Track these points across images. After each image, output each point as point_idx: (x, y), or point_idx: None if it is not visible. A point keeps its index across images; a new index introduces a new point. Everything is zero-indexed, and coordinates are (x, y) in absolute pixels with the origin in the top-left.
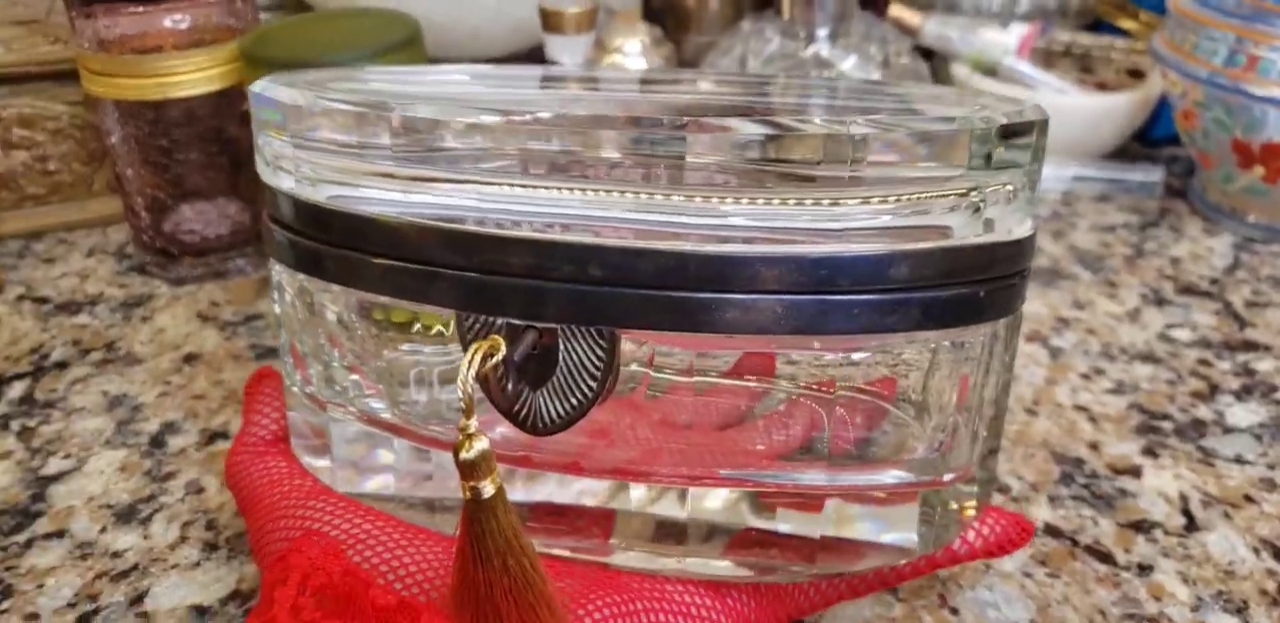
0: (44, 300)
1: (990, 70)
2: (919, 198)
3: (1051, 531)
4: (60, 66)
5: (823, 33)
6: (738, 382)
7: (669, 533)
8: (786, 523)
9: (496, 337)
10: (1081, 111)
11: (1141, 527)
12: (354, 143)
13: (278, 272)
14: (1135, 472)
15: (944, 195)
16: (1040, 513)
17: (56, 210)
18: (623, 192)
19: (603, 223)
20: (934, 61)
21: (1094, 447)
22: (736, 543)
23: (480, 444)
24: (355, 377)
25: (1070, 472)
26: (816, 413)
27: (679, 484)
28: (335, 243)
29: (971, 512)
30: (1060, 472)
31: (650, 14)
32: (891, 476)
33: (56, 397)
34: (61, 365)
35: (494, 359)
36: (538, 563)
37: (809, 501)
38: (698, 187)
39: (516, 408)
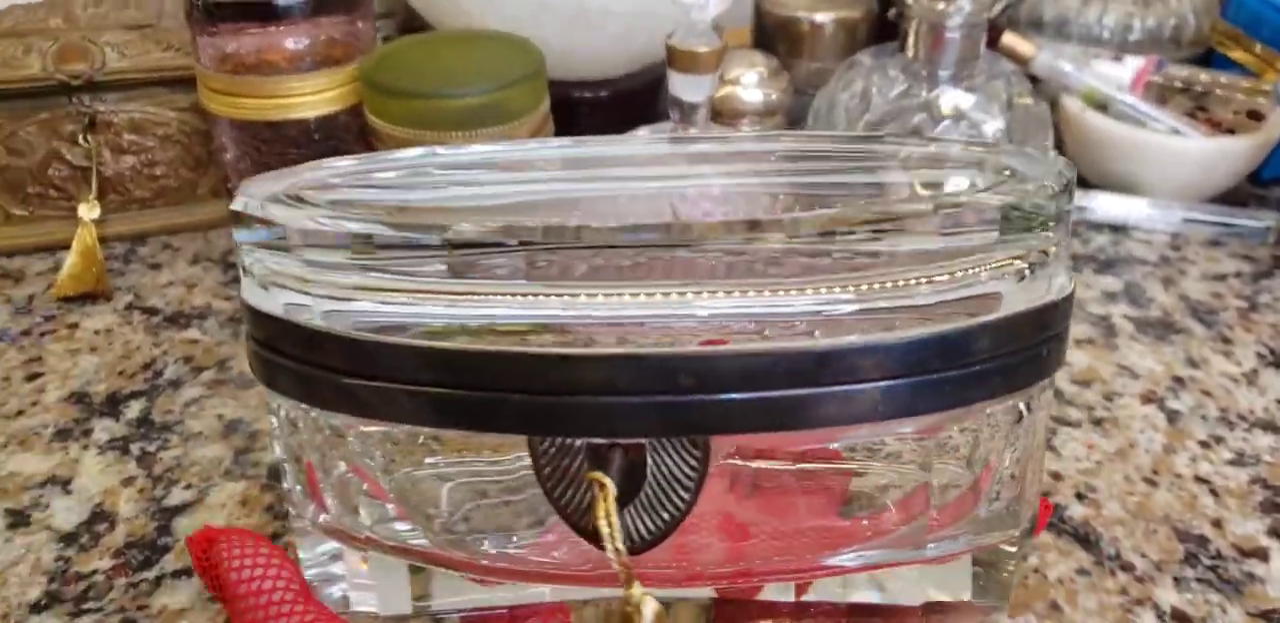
0: (153, 311)
1: (1102, 106)
2: (980, 269)
3: (1179, 616)
4: (172, 74)
5: (945, 73)
6: (827, 465)
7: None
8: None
9: (599, 474)
10: (1197, 154)
11: (1271, 617)
12: (388, 261)
13: (284, 408)
14: (1262, 554)
15: (1000, 264)
16: (1167, 596)
17: (162, 214)
18: (686, 292)
19: (674, 321)
20: (1038, 86)
21: (1217, 524)
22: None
23: (651, 608)
24: (386, 504)
25: (1194, 551)
26: (921, 492)
27: (789, 580)
28: (375, 376)
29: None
30: (1184, 551)
31: (761, 37)
32: (967, 539)
33: (173, 419)
34: (175, 384)
35: (602, 510)
36: None
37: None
38: (758, 279)
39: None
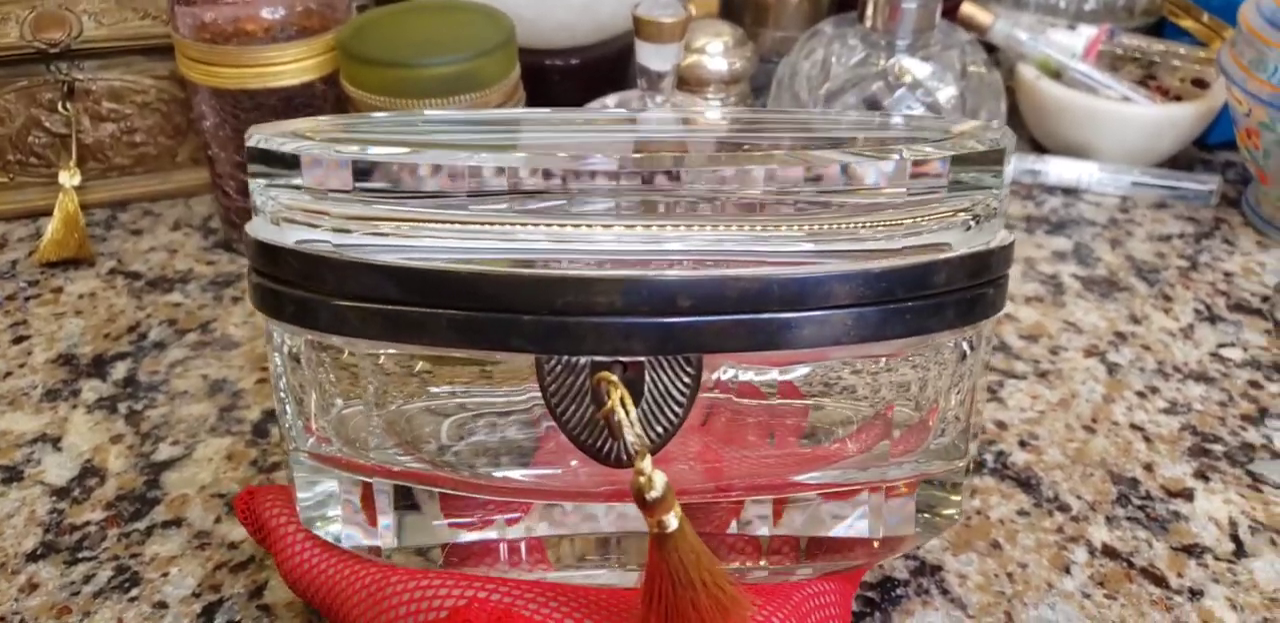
0: (136, 276)
1: (1056, 73)
2: (929, 218)
3: (1109, 552)
4: (149, 42)
5: (902, 43)
6: (788, 401)
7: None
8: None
9: (607, 373)
10: (1145, 120)
11: (1193, 551)
12: (407, 190)
13: (288, 344)
14: (1187, 495)
15: (947, 215)
16: (1099, 534)
17: (141, 181)
18: (683, 225)
19: (672, 256)
20: (994, 54)
21: (1149, 468)
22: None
23: (661, 479)
24: (379, 431)
25: (1126, 493)
26: (883, 422)
27: (763, 494)
28: (392, 300)
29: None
30: (1117, 492)
31: (728, 8)
32: (914, 467)
33: (159, 379)
34: (160, 346)
35: (617, 396)
36: (729, 576)
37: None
38: (754, 218)
39: (597, 443)
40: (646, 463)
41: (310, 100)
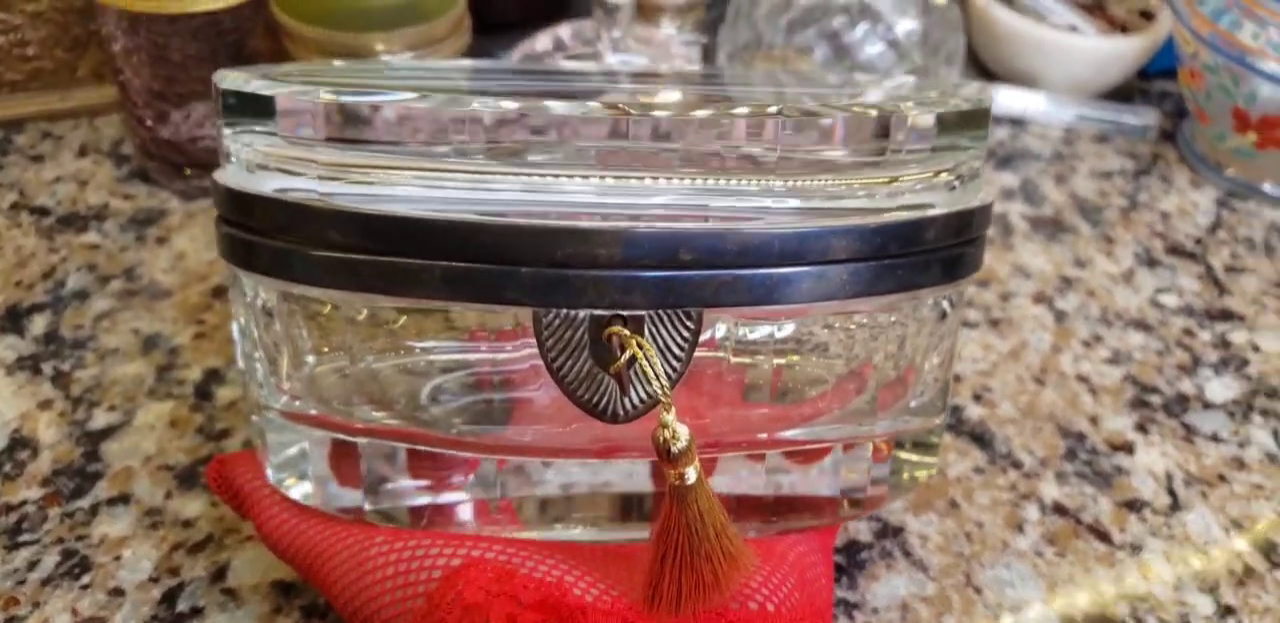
0: (43, 211)
1: None
2: (936, 174)
3: (1058, 509)
4: None
5: None
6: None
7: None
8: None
9: (620, 328)
10: (1091, 53)
11: (1134, 506)
12: (399, 138)
13: (263, 299)
14: (1128, 448)
15: (931, 176)
16: (1050, 491)
17: (37, 98)
18: (664, 178)
19: (654, 210)
20: None
21: (1094, 421)
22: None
23: (685, 432)
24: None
25: (1073, 447)
26: (849, 383)
27: (751, 449)
28: (386, 251)
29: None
30: (1065, 447)
31: None
32: (894, 423)
33: (84, 335)
34: (81, 296)
35: (634, 344)
36: (735, 531)
37: (812, 456)
38: (735, 172)
39: (593, 398)
40: (671, 415)
41: (237, 24)
